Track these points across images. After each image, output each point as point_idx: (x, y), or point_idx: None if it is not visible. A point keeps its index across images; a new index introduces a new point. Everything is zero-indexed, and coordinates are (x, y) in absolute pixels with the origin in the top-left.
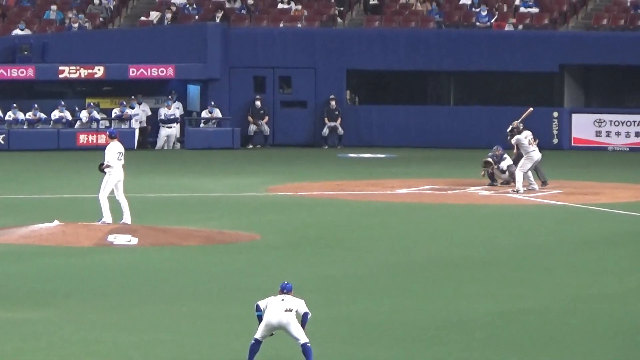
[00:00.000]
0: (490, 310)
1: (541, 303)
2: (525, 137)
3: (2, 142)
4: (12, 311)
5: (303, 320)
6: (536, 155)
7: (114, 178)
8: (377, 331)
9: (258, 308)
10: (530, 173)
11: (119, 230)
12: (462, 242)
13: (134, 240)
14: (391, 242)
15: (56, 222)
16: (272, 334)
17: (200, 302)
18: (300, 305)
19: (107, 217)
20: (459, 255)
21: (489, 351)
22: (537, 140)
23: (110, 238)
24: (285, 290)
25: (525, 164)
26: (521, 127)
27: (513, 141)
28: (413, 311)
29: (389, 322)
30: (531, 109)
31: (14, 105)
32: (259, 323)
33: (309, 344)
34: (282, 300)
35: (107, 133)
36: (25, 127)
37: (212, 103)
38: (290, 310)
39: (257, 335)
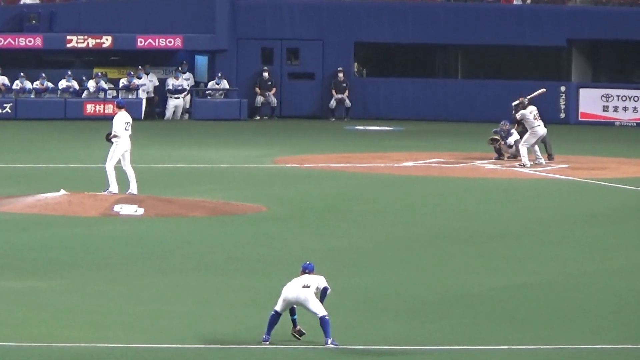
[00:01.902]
0: (494, 284)
1: (546, 277)
2: (530, 112)
3: (10, 111)
4: (17, 280)
5: (322, 294)
6: (541, 130)
7: (121, 148)
8: (382, 304)
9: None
10: (537, 147)
11: (125, 200)
12: (468, 215)
13: (140, 211)
14: (397, 215)
15: (62, 192)
16: (299, 333)
17: (206, 273)
18: (320, 281)
19: (114, 187)
20: (465, 228)
21: (493, 325)
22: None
23: (117, 208)
24: (307, 270)
25: (529, 139)
26: (526, 103)
27: (518, 116)
28: (418, 284)
29: (394, 295)
30: (544, 89)
31: (22, 74)
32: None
33: (327, 317)
34: (301, 278)
35: (115, 103)
36: (32, 96)
37: (220, 74)
38: (308, 287)
39: (277, 308)
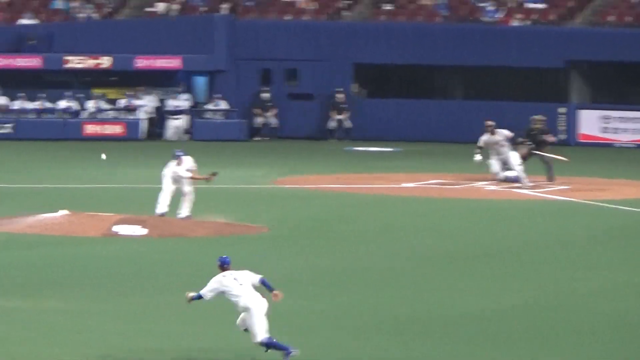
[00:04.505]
0: (482, 305)
1: (531, 298)
2: (501, 137)
3: (11, 131)
4: (4, 299)
5: (267, 286)
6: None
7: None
8: (369, 323)
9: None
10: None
11: (128, 220)
12: (465, 236)
13: (143, 231)
14: (395, 235)
15: (63, 212)
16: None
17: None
18: (250, 276)
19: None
20: (460, 249)
21: (477, 346)
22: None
23: (116, 228)
24: (225, 264)
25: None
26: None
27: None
28: (404, 305)
29: (379, 314)
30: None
31: (22, 94)
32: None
33: (271, 339)
34: (235, 279)
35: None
36: (32, 116)
37: (217, 96)
38: (242, 285)
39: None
